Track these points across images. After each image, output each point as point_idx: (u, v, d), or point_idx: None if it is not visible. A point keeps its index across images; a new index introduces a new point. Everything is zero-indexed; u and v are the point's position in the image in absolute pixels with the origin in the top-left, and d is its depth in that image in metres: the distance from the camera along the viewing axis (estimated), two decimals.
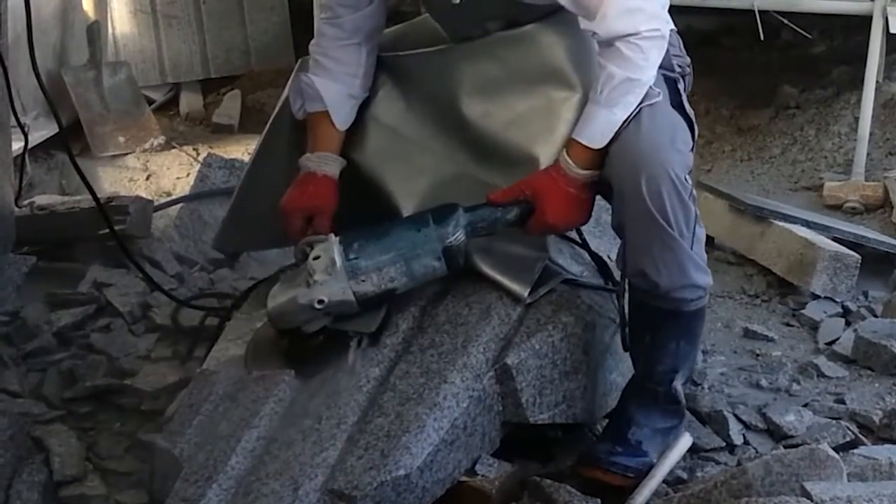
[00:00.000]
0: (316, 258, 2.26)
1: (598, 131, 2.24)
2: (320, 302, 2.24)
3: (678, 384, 2.41)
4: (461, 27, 2.47)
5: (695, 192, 2.28)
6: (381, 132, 2.52)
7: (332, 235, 2.30)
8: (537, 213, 2.30)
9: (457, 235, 2.27)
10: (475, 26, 2.46)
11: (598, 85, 2.24)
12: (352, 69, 2.50)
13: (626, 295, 2.38)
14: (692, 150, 2.37)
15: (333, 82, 2.48)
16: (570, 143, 2.28)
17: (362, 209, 2.41)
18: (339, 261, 2.24)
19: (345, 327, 2.31)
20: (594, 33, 2.24)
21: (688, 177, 2.26)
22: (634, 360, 2.44)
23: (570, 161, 2.27)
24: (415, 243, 2.26)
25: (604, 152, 2.25)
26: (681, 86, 2.43)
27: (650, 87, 2.25)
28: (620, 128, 2.23)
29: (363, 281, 2.25)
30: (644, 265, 2.27)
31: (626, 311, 2.39)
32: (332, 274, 2.24)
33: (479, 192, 2.35)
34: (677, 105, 2.36)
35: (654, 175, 2.19)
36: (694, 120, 2.41)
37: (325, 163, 2.47)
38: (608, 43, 2.22)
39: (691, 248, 2.28)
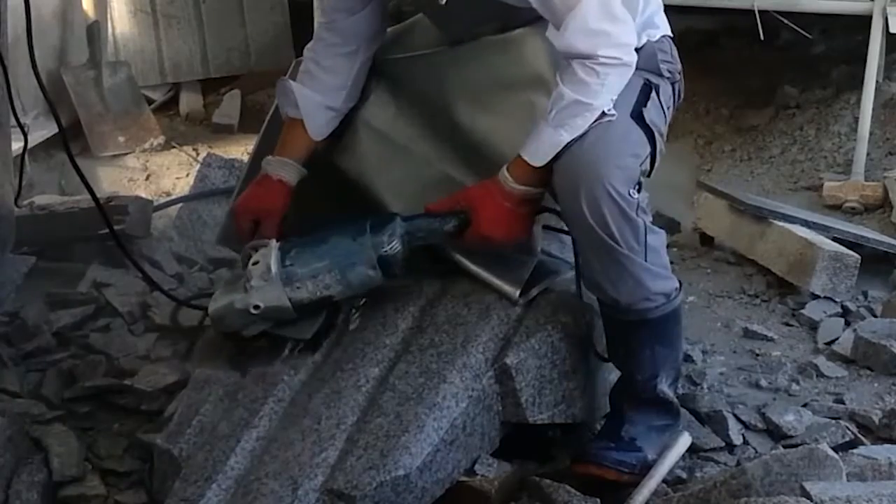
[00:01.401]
0: (255, 263, 2.28)
1: (542, 149, 2.20)
2: (256, 307, 2.26)
3: (663, 387, 2.39)
4: (453, 28, 2.45)
5: (643, 203, 2.23)
6: (372, 136, 2.52)
7: (274, 241, 2.32)
8: (473, 225, 2.28)
9: (392, 245, 2.27)
10: (467, 29, 2.43)
11: (549, 102, 2.19)
12: (340, 80, 2.49)
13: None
14: (648, 160, 2.30)
15: (315, 93, 2.47)
16: (514, 157, 2.24)
17: (351, 213, 2.40)
18: (274, 267, 2.26)
19: (282, 333, 2.33)
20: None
21: (632, 191, 2.20)
22: (617, 367, 2.43)
23: (507, 175, 2.24)
24: (350, 252, 2.27)
25: (548, 170, 2.21)
26: (655, 93, 2.35)
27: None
28: None
29: (298, 288, 2.27)
30: (599, 280, 2.26)
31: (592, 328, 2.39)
32: (268, 280, 2.26)
33: None
34: (637, 115, 2.29)
35: (593, 191, 2.15)
36: (657, 129, 2.33)
37: (282, 168, 2.47)
38: (567, 60, 2.18)
39: (645, 260, 2.24)
